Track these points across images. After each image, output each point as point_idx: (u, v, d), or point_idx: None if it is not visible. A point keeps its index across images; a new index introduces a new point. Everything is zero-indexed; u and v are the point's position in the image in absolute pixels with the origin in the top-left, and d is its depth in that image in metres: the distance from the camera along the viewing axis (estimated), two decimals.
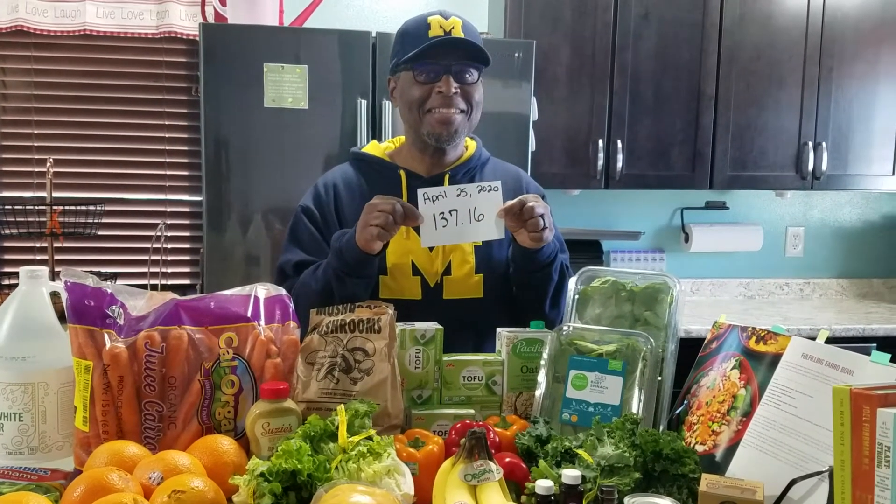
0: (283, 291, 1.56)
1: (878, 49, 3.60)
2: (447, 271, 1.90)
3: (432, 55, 1.83)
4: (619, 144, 3.44)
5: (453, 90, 1.83)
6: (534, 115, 2.98)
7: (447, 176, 1.93)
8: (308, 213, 1.94)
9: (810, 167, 3.59)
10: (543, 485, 1.14)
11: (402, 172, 1.93)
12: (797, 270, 4.14)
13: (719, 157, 3.54)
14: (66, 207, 3.28)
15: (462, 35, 1.83)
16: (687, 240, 3.95)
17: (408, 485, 1.20)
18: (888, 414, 0.94)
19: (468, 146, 2.02)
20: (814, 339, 1.34)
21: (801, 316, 3.59)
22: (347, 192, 1.94)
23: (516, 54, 2.87)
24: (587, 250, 3.69)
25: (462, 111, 1.86)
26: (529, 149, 2.96)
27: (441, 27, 1.83)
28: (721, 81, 3.51)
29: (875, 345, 3.26)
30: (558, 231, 1.99)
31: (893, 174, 3.69)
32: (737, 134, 3.54)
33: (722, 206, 3.98)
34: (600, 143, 3.43)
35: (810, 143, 3.58)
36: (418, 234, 1.78)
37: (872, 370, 1.21)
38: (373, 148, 2.02)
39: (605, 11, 3.39)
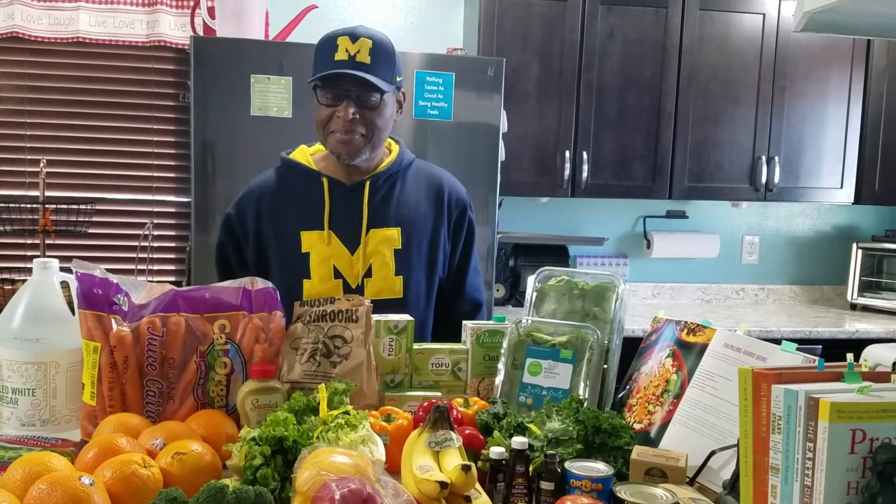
0: (270, 285, 1.68)
1: (828, 69, 3.81)
2: (368, 273, 1.98)
3: (333, 79, 1.86)
4: (585, 156, 3.61)
5: (351, 116, 1.86)
6: (504, 127, 3.15)
7: (367, 183, 1.98)
8: (228, 226, 2.04)
9: (763, 180, 3.79)
10: (496, 450, 1.32)
11: (324, 180, 1.99)
12: (753, 277, 4.33)
13: (678, 170, 3.72)
14: (58, 206, 3.39)
15: (367, 59, 1.84)
16: (649, 246, 4.13)
17: (380, 452, 1.35)
18: (780, 389, 1.12)
19: (391, 149, 2.06)
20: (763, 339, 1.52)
21: (756, 319, 3.76)
22: (270, 203, 2.01)
23: (488, 71, 3.05)
24: (555, 255, 3.88)
25: (362, 135, 1.89)
26: (499, 158, 3.13)
27: (347, 51, 1.84)
28: (680, 98, 3.69)
29: (825, 347, 3.46)
30: (476, 258, 2.17)
31: (842, 187, 3.90)
32: (695, 148, 3.73)
33: (682, 215, 4.16)
34: (567, 154, 3.60)
35: (764, 158, 3.78)
36: (341, 242, 1.93)
37: (782, 357, 1.41)
38: (300, 154, 2.06)
39: (572, 31, 3.57)
